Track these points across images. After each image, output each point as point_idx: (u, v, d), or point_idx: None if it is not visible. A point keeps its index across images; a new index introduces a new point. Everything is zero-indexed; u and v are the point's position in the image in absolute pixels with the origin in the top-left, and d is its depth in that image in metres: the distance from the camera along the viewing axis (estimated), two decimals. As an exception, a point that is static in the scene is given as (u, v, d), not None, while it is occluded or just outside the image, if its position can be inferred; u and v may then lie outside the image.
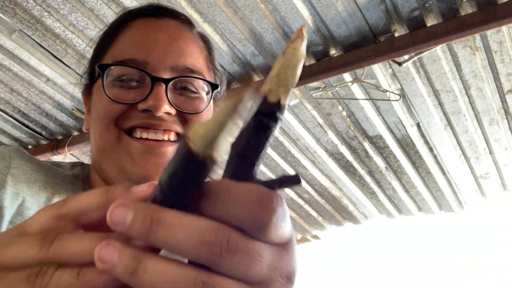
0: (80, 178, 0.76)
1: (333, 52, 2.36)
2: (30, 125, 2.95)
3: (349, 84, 2.52)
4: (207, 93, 0.76)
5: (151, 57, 0.72)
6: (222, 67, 2.59)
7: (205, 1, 2.08)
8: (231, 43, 2.32)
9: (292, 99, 2.69)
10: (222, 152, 0.30)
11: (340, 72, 2.34)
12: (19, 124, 2.92)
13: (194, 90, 0.74)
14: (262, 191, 0.30)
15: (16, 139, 3.06)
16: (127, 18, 0.79)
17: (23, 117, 2.87)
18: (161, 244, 0.30)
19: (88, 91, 0.79)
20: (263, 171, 3.30)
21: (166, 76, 0.71)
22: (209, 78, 0.79)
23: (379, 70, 2.47)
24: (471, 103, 2.73)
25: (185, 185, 0.31)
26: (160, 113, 0.68)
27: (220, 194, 0.31)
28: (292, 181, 0.33)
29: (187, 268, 0.29)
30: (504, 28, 2.22)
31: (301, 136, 2.98)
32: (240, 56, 2.40)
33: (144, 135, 0.69)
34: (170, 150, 0.70)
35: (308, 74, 2.37)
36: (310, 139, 3.01)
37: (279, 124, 0.32)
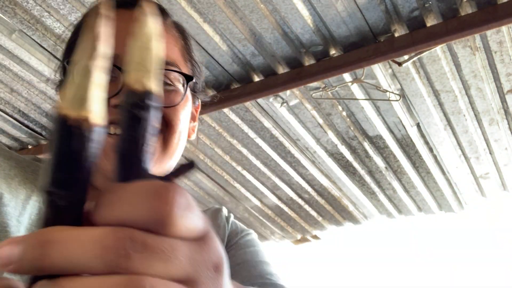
0: None
1: (333, 52, 2.36)
2: (30, 125, 2.95)
3: (349, 84, 2.52)
4: (184, 85, 0.73)
5: (122, 50, 0.69)
6: (223, 67, 2.56)
7: (205, 1, 2.08)
8: (231, 43, 2.32)
9: (292, 99, 2.70)
10: (97, 110, 0.27)
11: (340, 72, 2.34)
12: (19, 124, 2.92)
13: (169, 82, 0.71)
14: (155, 184, 0.27)
15: (16, 139, 3.06)
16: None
17: (23, 117, 2.87)
18: (60, 266, 0.26)
19: (61, 87, 0.77)
20: (263, 172, 3.31)
21: None
22: (185, 69, 0.75)
23: (379, 70, 2.47)
24: (471, 103, 2.73)
25: (69, 167, 0.26)
26: None
27: (111, 199, 0.27)
28: (187, 167, 0.31)
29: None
30: (504, 28, 2.22)
31: (301, 136, 2.98)
32: (240, 56, 2.40)
33: (118, 131, 0.67)
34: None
35: (308, 74, 2.37)
36: (310, 139, 3.01)
37: (154, 113, 0.29)
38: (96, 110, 0.27)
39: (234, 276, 0.71)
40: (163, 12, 0.78)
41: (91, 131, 0.26)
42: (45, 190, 0.27)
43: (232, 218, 0.83)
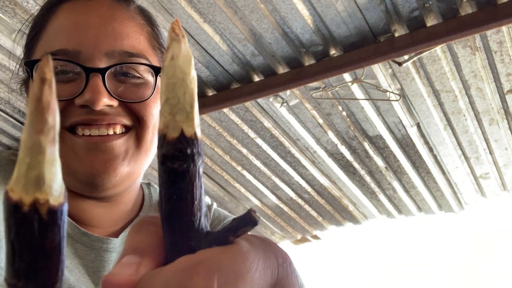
0: None
1: (333, 52, 2.36)
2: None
3: (349, 84, 2.52)
4: (153, 75, 0.68)
5: (83, 45, 0.64)
6: (223, 67, 2.56)
7: (205, 1, 2.08)
8: (231, 43, 2.32)
9: (292, 99, 2.70)
10: (56, 188, 0.23)
11: (340, 72, 2.34)
12: (19, 124, 2.92)
13: (137, 75, 0.67)
14: (191, 263, 0.23)
15: (16, 139, 3.06)
16: (54, 2, 0.70)
17: (23, 117, 2.87)
18: None
19: (26, 87, 0.74)
20: (263, 172, 3.31)
21: (102, 64, 0.64)
22: (154, 58, 0.71)
23: (379, 70, 2.47)
24: (471, 103, 2.73)
25: (29, 256, 0.22)
26: (100, 107, 0.62)
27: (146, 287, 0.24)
28: (247, 222, 0.26)
29: None
30: (504, 28, 2.22)
31: (301, 136, 2.98)
32: (240, 56, 2.40)
33: (87, 132, 0.63)
34: (118, 144, 0.64)
35: (308, 74, 2.37)
36: (310, 139, 3.01)
37: (199, 160, 0.25)
38: (55, 189, 0.23)
39: None
40: None
41: (52, 215, 0.23)
42: (6, 282, 0.23)
43: (214, 206, 0.81)
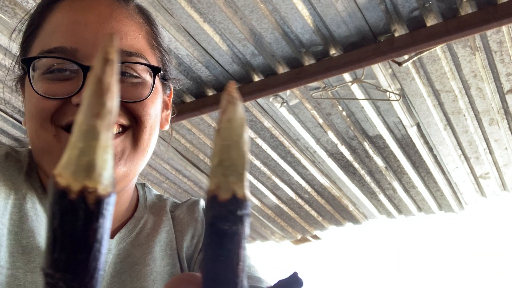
0: (36, 169, 0.69)
1: (333, 52, 2.36)
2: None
3: (349, 84, 2.52)
4: (151, 75, 0.67)
5: (81, 43, 0.63)
6: (223, 67, 2.56)
7: (205, 1, 2.08)
8: (231, 43, 2.32)
9: (292, 99, 2.69)
10: (107, 177, 0.22)
11: (340, 72, 2.34)
12: (19, 124, 2.92)
13: (135, 74, 0.66)
14: None
15: (16, 139, 3.06)
16: (51, 0, 0.69)
17: (23, 117, 2.87)
18: None
19: (21, 84, 0.73)
20: (263, 172, 3.31)
21: None
22: (152, 57, 0.70)
23: (379, 70, 2.47)
24: (471, 103, 2.73)
25: (72, 248, 0.22)
26: None
27: None
28: (292, 284, 0.26)
29: None
30: (504, 28, 2.22)
31: (301, 136, 2.98)
32: (240, 56, 2.40)
33: None
34: (114, 144, 0.62)
35: (308, 74, 2.37)
36: (310, 139, 3.01)
37: (247, 222, 0.25)
38: (105, 177, 0.22)
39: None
40: None
41: (99, 204, 0.22)
42: (44, 271, 0.23)
43: (202, 203, 0.81)
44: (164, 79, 0.74)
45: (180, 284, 0.28)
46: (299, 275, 0.26)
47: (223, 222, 0.24)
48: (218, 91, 2.60)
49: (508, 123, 2.90)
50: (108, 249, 0.67)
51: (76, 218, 0.22)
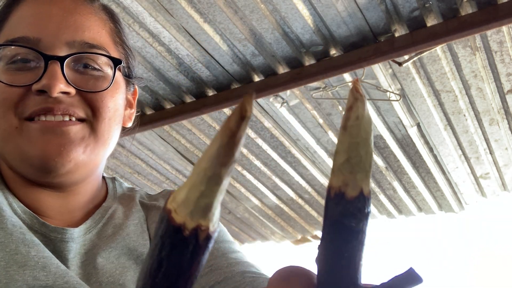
0: None
1: (333, 52, 2.36)
2: None
3: (349, 84, 2.52)
4: (112, 68, 0.69)
5: (44, 33, 0.65)
6: (223, 67, 2.56)
7: (205, 1, 2.08)
8: (231, 43, 2.32)
9: (292, 99, 2.69)
10: (215, 218, 0.24)
11: (340, 72, 2.34)
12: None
13: (97, 67, 0.67)
14: None
15: None
16: None
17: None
18: None
19: None
20: (263, 172, 3.31)
21: (62, 53, 0.65)
22: (116, 53, 0.72)
23: (379, 70, 2.47)
24: (471, 103, 2.73)
25: (176, 277, 0.24)
26: (56, 93, 0.62)
27: None
28: (408, 281, 0.26)
29: None
30: (504, 28, 2.22)
31: (301, 136, 2.98)
32: (240, 56, 2.40)
33: (43, 118, 0.64)
34: (74, 130, 0.64)
35: (308, 74, 2.37)
36: (310, 139, 3.01)
37: (369, 220, 0.26)
38: (216, 216, 0.24)
39: (209, 274, 0.68)
40: None
41: (208, 240, 0.24)
42: None
43: None
44: (127, 77, 0.75)
45: (291, 274, 0.28)
46: (417, 271, 0.26)
47: (350, 219, 0.25)
48: (218, 91, 2.60)
49: (509, 123, 2.90)
50: (69, 238, 0.66)
51: (185, 252, 0.23)
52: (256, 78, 2.52)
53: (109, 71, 0.69)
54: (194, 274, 0.24)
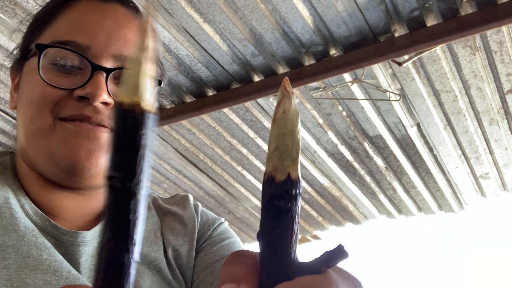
0: (9, 167, 0.71)
1: (333, 52, 2.36)
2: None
3: (349, 84, 2.52)
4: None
5: (94, 42, 0.67)
6: (223, 67, 2.55)
7: (205, 1, 2.08)
8: (231, 43, 2.32)
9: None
10: (148, 98, 0.28)
11: (340, 72, 2.34)
12: (19, 124, 2.92)
13: None
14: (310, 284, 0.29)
15: (16, 139, 3.07)
16: None
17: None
18: None
19: (18, 67, 0.74)
20: (263, 171, 3.30)
21: (108, 64, 0.66)
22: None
23: (379, 70, 2.47)
24: (471, 103, 2.73)
25: (125, 150, 0.28)
26: (97, 102, 0.64)
27: None
28: (337, 255, 0.30)
29: None
30: (504, 28, 2.22)
31: (301, 136, 2.97)
32: (240, 56, 2.40)
33: (77, 122, 0.65)
34: (104, 137, 0.65)
35: (308, 74, 2.37)
36: (310, 139, 3.01)
37: (299, 200, 0.29)
38: (147, 98, 0.28)
39: (215, 272, 0.70)
40: (138, 12, 0.76)
41: (144, 116, 0.28)
42: (106, 176, 0.28)
43: (200, 207, 0.81)
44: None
45: (235, 257, 0.31)
46: (345, 247, 0.30)
47: (279, 200, 0.28)
48: (218, 91, 2.60)
49: (508, 123, 2.90)
50: (81, 241, 0.66)
51: (127, 124, 0.28)
52: (256, 78, 2.52)
53: None
54: (140, 148, 0.28)
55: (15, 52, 0.78)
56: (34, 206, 0.66)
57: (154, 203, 0.79)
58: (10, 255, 0.59)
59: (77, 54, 0.65)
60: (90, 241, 0.67)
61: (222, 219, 0.82)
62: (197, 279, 0.70)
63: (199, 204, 0.82)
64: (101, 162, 0.65)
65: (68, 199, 0.69)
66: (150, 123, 0.28)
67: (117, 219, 0.27)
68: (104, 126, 0.65)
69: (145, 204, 0.29)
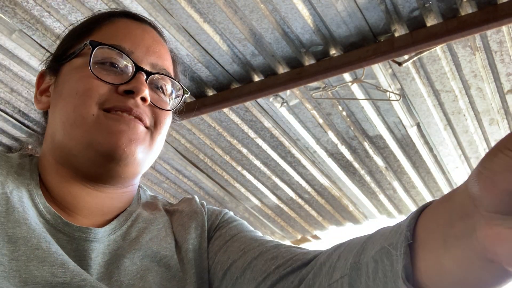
0: (27, 168, 0.74)
1: (333, 52, 2.36)
2: (30, 125, 2.95)
3: (349, 84, 2.52)
4: (170, 98, 0.81)
5: (137, 49, 0.76)
6: (223, 67, 2.55)
7: (205, 1, 2.08)
8: (231, 43, 2.32)
9: (292, 99, 2.69)
10: None
11: (340, 72, 2.34)
12: (19, 124, 2.92)
13: (164, 91, 0.79)
14: None
15: (16, 139, 3.06)
16: (113, 14, 0.83)
17: (23, 117, 2.87)
18: None
19: (53, 69, 0.80)
20: (263, 172, 3.31)
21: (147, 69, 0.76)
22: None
23: (379, 70, 2.47)
24: (471, 103, 2.73)
25: None
26: (141, 95, 0.72)
27: None
28: None
29: None
30: (504, 28, 2.22)
31: (301, 136, 2.98)
32: (240, 56, 2.40)
33: (120, 113, 0.72)
34: (142, 129, 0.73)
35: (308, 74, 2.37)
36: (310, 139, 3.01)
37: None
38: None
39: (229, 250, 0.72)
40: (164, 38, 0.87)
41: None
42: None
43: (205, 204, 0.86)
44: (174, 112, 0.86)
45: None
46: None
47: None
48: (218, 91, 2.60)
49: (508, 123, 2.90)
50: (94, 237, 0.68)
51: None
52: (256, 78, 2.52)
53: (168, 98, 0.80)
54: None
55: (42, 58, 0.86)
56: (47, 204, 0.69)
57: (163, 207, 0.84)
58: (20, 246, 0.61)
59: (124, 55, 0.74)
60: (101, 238, 0.69)
61: (227, 210, 0.86)
62: (213, 263, 0.74)
63: (205, 202, 0.87)
64: (138, 152, 0.71)
65: (90, 196, 0.73)
66: None
67: None
68: (140, 119, 0.72)
69: None
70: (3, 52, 2.41)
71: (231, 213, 0.85)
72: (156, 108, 0.76)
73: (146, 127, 0.74)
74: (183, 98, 0.83)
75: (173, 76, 0.82)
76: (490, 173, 0.36)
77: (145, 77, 0.73)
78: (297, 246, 0.72)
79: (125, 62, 0.74)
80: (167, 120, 0.79)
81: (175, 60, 0.88)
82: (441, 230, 0.43)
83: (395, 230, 0.50)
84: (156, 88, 0.78)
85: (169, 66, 0.81)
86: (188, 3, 2.09)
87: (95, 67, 0.72)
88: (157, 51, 0.79)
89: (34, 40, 2.33)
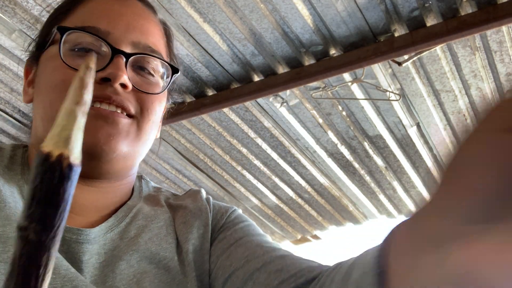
0: (19, 162, 0.70)
1: (333, 52, 2.36)
2: (30, 125, 2.95)
3: (349, 84, 2.52)
4: (162, 78, 0.72)
5: (114, 28, 0.68)
6: (223, 67, 2.55)
7: (205, 1, 2.08)
8: (231, 43, 2.32)
9: (292, 99, 2.69)
10: (77, 151, 0.28)
11: (340, 72, 2.34)
12: (19, 124, 2.92)
13: (152, 72, 0.71)
14: None
15: (16, 139, 3.06)
16: None
17: (23, 117, 2.87)
18: None
19: (34, 60, 0.74)
20: (263, 171, 3.31)
21: (127, 50, 0.68)
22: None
23: (379, 70, 2.47)
24: (471, 103, 2.73)
25: (45, 202, 0.27)
26: (119, 82, 0.65)
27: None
28: None
29: None
30: (504, 28, 2.22)
31: (301, 136, 2.98)
32: (240, 56, 2.40)
33: (97, 105, 0.65)
34: (123, 122, 0.66)
35: (308, 74, 2.37)
36: (310, 139, 3.01)
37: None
38: (76, 151, 0.28)
39: (232, 255, 0.68)
40: (153, 8, 0.80)
41: (70, 169, 0.28)
42: (19, 226, 0.27)
43: (211, 199, 0.80)
44: (169, 91, 0.78)
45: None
46: None
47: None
48: (218, 91, 2.60)
49: (508, 123, 2.90)
50: (84, 239, 0.64)
51: (53, 177, 0.27)
52: (256, 78, 2.52)
53: (159, 79, 0.72)
54: (62, 202, 0.27)
55: (28, 47, 0.79)
56: None
57: (166, 201, 0.78)
58: (9, 247, 0.57)
59: (98, 38, 0.66)
60: (94, 238, 0.65)
61: (235, 207, 0.81)
62: (214, 267, 0.69)
63: (210, 197, 0.81)
64: (119, 147, 0.65)
65: (82, 192, 0.68)
66: (76, 178, 0.28)
67: (27, 272, 0.26)
68: (123, 107, 0.66)
69: (54, 258, 0.28)
70: (3, 52, 2.41)
71: (239, 211, 0.80)
72: (141, 93, 0.68)
73: (131, 116, 0.67)
74: (172, 78, 0.73)
75: (163, 53, 0.74)
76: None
77: (124, 60, 0.66)
78: (305, 257, 0.66)
79: (102, 45, 0.67)
80: (157, 104, 0.71)
81: (167, 34, 0.79)
82: (409, 262, 0.35)
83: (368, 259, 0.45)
84: (140, 69, 0.70)
85: (156, 42, 0.73)
86: (188, 3, 2.09)
87: (70, 54, 0.66)
88: (139, 27, 0.71)
89: (34, 40, 2.33)
